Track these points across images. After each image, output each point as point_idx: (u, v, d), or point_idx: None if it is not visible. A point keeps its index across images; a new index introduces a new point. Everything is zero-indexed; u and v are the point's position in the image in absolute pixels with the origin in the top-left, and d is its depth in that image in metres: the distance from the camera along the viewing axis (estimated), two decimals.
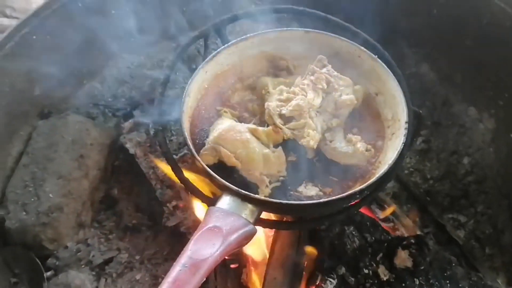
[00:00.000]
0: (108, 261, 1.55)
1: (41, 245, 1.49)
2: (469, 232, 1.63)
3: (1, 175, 1.56)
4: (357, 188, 1.17)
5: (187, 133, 1.26)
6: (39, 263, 1.47)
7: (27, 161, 1.58)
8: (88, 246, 1.57)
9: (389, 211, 1.52)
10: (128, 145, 1.63)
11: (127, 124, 1.67)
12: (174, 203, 1.55)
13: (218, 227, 1.06)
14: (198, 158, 1.21)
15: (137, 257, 1.56)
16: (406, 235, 1.47)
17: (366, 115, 1.40)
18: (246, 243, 1.11)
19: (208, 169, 1.19)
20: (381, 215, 1.51)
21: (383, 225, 1.47)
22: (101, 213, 1.66)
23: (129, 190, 1.69)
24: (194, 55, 1.95)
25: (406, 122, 1.26)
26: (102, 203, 1.68)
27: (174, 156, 1.60)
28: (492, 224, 1.63)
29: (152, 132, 1.64)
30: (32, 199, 1.50)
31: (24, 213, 1.48)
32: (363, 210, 1.45)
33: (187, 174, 1.41)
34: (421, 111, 1.38)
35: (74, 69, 1.75)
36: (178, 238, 1.53)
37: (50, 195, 1.50)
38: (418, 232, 1.49)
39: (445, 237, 1.59)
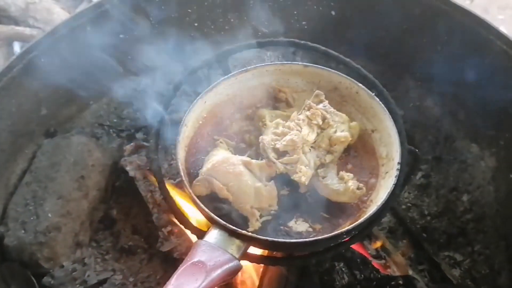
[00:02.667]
0: (102, 282, 1.57)
1: (37, 264, 1.51)
2: (464, 271, 1.61)
3: (4, 192, 1.61)
4: (345, 228, 1.18)
5: (180, 164, 1.28)
6: (35, 281, 1.50)
7: (29, 179, 1.62)
8: (84, 266, 1.59)
9: (378, 244, 1.52)
10: (128, 168, 1.66)
11: (128, 147, 1.70)
12: (169, 228, 1.57)
13: (202, 262, 1.08)
14: (189, 190, 1.23)
15: (131, 279, 1.58)
16: (397, 273, 1.47)
17: (362, 152, 1.40)
18: (231, 279, 1.13)
19: (198, 201, 1.21)
20: (371, 249, 1.51)
21: (374, 262, 1.46)
22: (100, 232, 1.69)
23: (128, 211, 1.72)
24: (199, 79, 1.98)
25: (398, 163, 1.26)
26: (101, 222, 1.70)
27: (172, 181, 1.64)
28: (489, 264, 1.61)
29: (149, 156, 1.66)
30: (32, 218, 1.53)
31: (22, 231, 1.51)
32: (354, 246, 1.45)
33: (183, 202, 1.45)
34: (417, 150, 1.38)
35: (81, 89, 1.79)
36: (172, 263, 1.55)
37: (49, 215, 1.54)
38: (410, 271, 1.48)
39: (439, 275, 1.58)
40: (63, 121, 1.78)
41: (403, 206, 1.73)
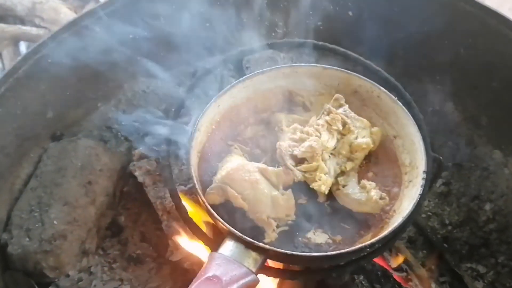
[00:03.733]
0: None
1: (42, 273, 1.45)
2: (488, 284, 1.54)
3: (8, 198, 1.55)
4: (368, 241, 1.11)
5: (193, 171, 1.22)
6: None
7: (35, 184, 1.56)
8: (90, 275, 1.53)
9: (400, 259, 1.45)
10: (137, 173, 1.60)
11: (137, 152, 1.64)
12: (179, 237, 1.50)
13: (217, 276, 1.02)
14: (203, 198, 1.17)
15: None
16: (419, 287, 1.40)
17: (383, 159, 1.33)
18: None
19: (212, 211, 1.14)
20: (393, 263, 1.43)
21: (395, 275, 1.39)
22: (107, 240, 1.63)
23: (136, 218, 1.65)
24: (212, 81, 1.92)
25: (424, 171, 1.19)
26: (108, 229, 1.64)
27: (183, 187, 1.57)
28: None
29: (160, 162, 1.60)
30: (37, 225, 1.47)
31: (27, 239, 1.45)
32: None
33: (195, 211, 1.38)
34: (441, 158, 1.31)
35: (89, 92, 1.74)
36: (182, 273, 1.49)
37: (55, 222, 1.47)
38: (433, 285, 1.41)
39: (462, 287, 1.51)
40: (70, 124, 1.73)
41: (423, 215, 1.65)
